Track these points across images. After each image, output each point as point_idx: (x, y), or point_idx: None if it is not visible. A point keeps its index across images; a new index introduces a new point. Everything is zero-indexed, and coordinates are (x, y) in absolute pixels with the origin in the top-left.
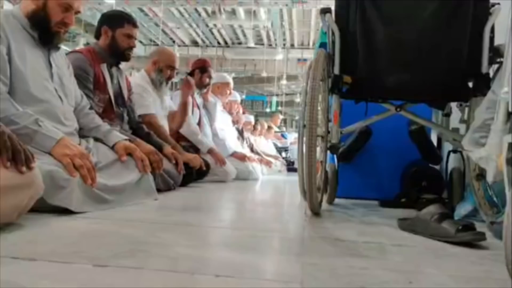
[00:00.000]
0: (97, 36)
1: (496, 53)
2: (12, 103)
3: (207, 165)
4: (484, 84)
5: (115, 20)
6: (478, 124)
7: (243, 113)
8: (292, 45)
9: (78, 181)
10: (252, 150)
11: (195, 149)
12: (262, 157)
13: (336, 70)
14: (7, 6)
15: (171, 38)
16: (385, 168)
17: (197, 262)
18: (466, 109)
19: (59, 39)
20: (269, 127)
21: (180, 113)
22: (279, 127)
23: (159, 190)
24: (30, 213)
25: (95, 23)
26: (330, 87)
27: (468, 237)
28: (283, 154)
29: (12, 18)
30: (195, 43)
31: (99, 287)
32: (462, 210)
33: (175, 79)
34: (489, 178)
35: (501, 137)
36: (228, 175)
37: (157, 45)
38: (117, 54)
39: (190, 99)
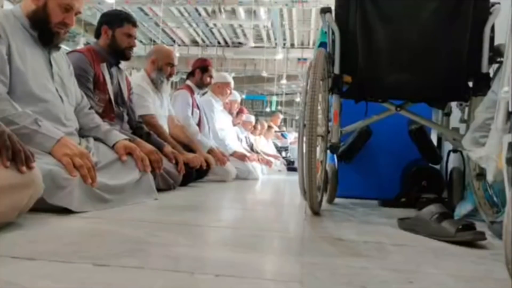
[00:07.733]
0: (97, 36)
1: (496, 52)
2: (11, 103)
3: (208, 164)
4: (484, 84)
5: (115, 20)
6: (478, 124)
7: (242, 112)
8: (292, 45)
9: (78, 180)
10: (252, 149)
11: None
12: (262, 157)
13: (336, 70)
14: (7, 5)
15: (171, 38)
16: (385, 168)
17: (197, 261)
18: (466, 109)
19: (59, 39)
20: (269, 127)
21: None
22: (279, 127)
23: (159, 190)
24: (30, 213)
25: (95, 22)
26: (330, 87)
27: (468, 236)
28: (283, 154)
29: (12, 18)
30: (195, 43)
31: (99, 286)
32: (462, 210)
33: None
34: (489, 178)
35: (501, 137)
36: (228, 175)
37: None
38: (117, 53)
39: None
